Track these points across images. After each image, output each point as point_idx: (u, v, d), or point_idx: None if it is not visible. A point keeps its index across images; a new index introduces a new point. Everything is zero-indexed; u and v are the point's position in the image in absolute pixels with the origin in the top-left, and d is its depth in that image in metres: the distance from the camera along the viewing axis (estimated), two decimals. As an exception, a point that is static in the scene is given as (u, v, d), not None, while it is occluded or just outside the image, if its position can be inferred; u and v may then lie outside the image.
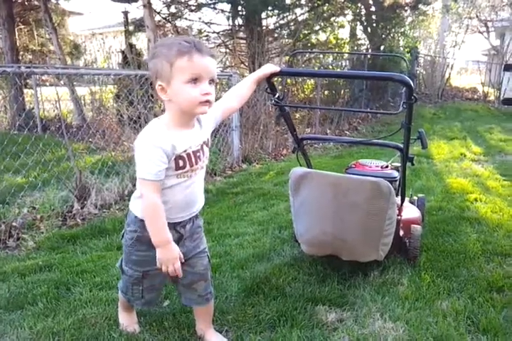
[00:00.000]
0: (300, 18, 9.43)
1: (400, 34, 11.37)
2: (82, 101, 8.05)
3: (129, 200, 3.83)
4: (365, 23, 10.60)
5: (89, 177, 3.81)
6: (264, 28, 8.97)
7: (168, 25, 9.66)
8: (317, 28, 9.88)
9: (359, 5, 10.17)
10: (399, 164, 2.75)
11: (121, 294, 1.84)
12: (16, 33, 9.39)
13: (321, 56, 9.44)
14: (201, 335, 1.85)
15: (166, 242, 1.51)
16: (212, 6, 8.75)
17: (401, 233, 2.54)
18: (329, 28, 10.23)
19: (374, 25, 10.45)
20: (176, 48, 1.43)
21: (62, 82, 8.09)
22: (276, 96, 2.02)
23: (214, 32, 9.21)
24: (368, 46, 10.47)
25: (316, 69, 8.65)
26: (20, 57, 9.63)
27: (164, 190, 1.53)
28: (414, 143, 2.28)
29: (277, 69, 1.86)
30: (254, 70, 6.84)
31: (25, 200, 3.55)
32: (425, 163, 5.39)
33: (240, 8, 8.39)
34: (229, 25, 9.02)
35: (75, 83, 8.25)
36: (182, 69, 1.42)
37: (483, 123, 9.15)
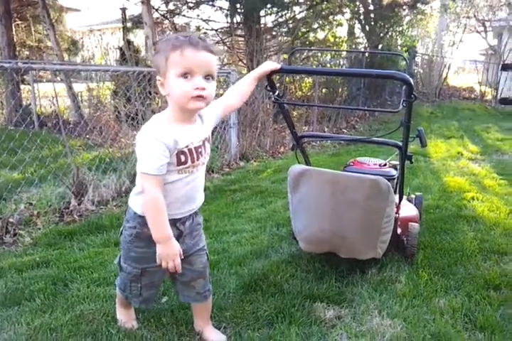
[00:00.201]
0: (298, 16, 9.41)
1: (398, 33, 11.37)
2: (80, 98, 8.02)
3: (126, 197, 3.87)
4: (363, 22, 10.60)
5: (86, 173, 3.79)
6: (262, 25, 8.95)
7: (167, 22, 9.63)
8: (315, 26, 9.86)
9: (357, 3, 10.16)
10: (397, 162, 2.76)
11: (119, 291, 1.83)
12: (13, 29, 9.34)
13: (319, 54, 9.43)
14: (199, 332, 1.85)
15: (167, 238, 1.50)
16: (210, 3, 8.72)
17: (399, 231, 2.54)
18: (327, 27, 10.21)
19: (372, 23, 10.46)
20: (171, 43, 1.44)
21: (59, 78, 8.05)
22: (276, 93, 2.02)
23: (212, 29, 9.18)
24: (366, 45, 10.47)
25: (314, 67, 8.64)
26: (17, 53, 9.58)
27: (165, 186, 1.52)
28: (412, 142, 2.28)
29: (277, 66, 1.86)
30: (252, 68, 6.85)
31: (22, 196, 3.53)
32: (422, 161, 5.41)
33: (238, 5, 8.37)
34: (227, 22, 8.99)
35: (72, 79, 8.22)
36: (175, 63, 1.43)
37: (480, 122, 9.17)
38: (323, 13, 9.68)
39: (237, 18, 8.90)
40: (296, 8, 9.37)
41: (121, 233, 1.71)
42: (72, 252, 2.78)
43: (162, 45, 1.47)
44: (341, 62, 9.70)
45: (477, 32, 17.10)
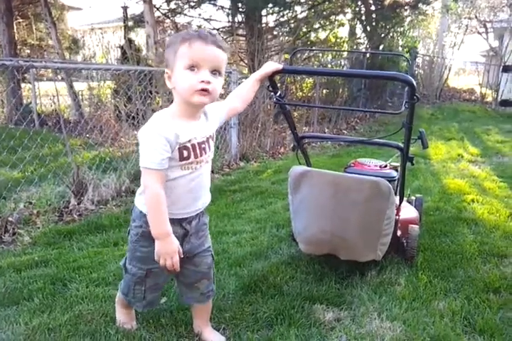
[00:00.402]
0: (300, 16, 9.41)
1: (399, 33, 11.35)
2: (80, 97, 8.01)
3: (126, 196, 3.87)
4: (364, 22, 10.58)
5: (86, 172, 3.79)
6: (264, 25, 8.95)
7: (168, 21, 9.63)
8: (317, 26, 9.86)
9: (359, 3, 10.15)
10: (397, 164, 2.76)
11: (121, 296, 1.81)
12: (15, 27, 9.34)
13: (320, 54, 9.42)
14: (198, 332, 1.84)
15: (166, 234, 1.48)
16: (212, 2, 8.71)
17: (399, 233, 2.54)
18: (329, 27, 10.20)
19: (373, 24, 10.44)
20: (181, 36, 1.46)
21: (59, 76, 8.04)
22: (278, 94, 2.01)
23: (214, 28, 9.17)
24: (367, 45, 10.46)
25: (316, 67, 8.63)
26: (18, 52, 9.57)
27: (169, 183, 1.51)
28: (414, 143, 2.28)
29: (279, 67, 1.85)
30: (253, 68, 6.83)
31: (21, 195, 3.52)
32: (422, 163, 5.41)
33: (240, 4, 8.37)
34: (229, 21, 8.99)
35: (72, 78, 8.22)
36: (182, 55, 1.44)
37: (481, 124, 9.17)
38: (325, 13, 9.68)
39: (239, 18, 8.91)
40: (298, 8, 9.39)
41: (129, 233, 1.69)
42: (72, 252, 2.77)
43: (172, 39, 1.50)
44: (342, 63, 9.69)
45: (478, 33, 17.07)
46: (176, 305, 2.05)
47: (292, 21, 9.36)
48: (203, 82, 1.44)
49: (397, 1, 10.31)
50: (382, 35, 10.62)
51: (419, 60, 13.70)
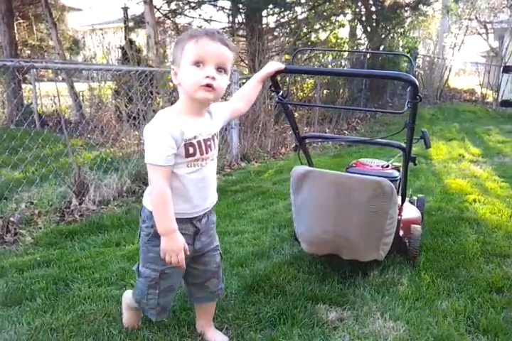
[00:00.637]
0: (300, 17, 9.42)
1: (399, 34, 11.35)
2: (81, 97, 8.02)
3: (127, 197, 3.87)
4: (365, 23, 10.59)
5: (87, 173, 3.78)
6: (264, 26, 8.95)
7: (168, 21, 9.63)
8: (317, 26, 9.87)
9: (359, 4, 10.16)
10: (399, 164, 2.75)
11: (135, 304, 1.77)
12: (15, 28, 9.34)
13: (321, 55, 9.43)
14: (201, 332, 1.84)
15: (171, 231, 1.48)
16: (212, 3, 8.73)
17: (401, 233, 2.54)
18: (329, 27, 10.21)
19: (374, 24, 10.44)
20: (189, 34, 1.49)
21: (60, 77, 8.04)
22: (280, 93, 2.01)
23: (214, 29, 9.17)
24: (368, 46, 10.46)
25: (318, 67, 8.63)
26: (18, 52, 9.57)
27: (178, 182, 1.52)
28: (416, 143, 2.27)
29: (282, 66, 1.86)
30: (254, 68, 6.82)
31: (23, 195, 3.53)
32: (424, 163, 5.41)
33: (240, 5, 8.37)
34: (229, 22, 9.00)
35: (73, 79, 8.22)
36: (189, 51, 1.45)
37: (482, 124, 9.16)
38: (325, 13, 9.69)
39: (239, 18, 8.92)
40: (298, 9, 9.40)
41: (139, 236, 1.68)
42: (73, 252, 2.77)
43: (181, 37, 1.52)
44: (343, 63, 9.69)
45: (478, 34, 17.11)
46: (178, 305, 2.05)
47: (293, 22, 9.37)
48: (207, 77, 1.45)
49: (398, 2, 10.32)
50: (383, 35, 10.63)
51: (419, 61, 13.70)
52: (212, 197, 1.68)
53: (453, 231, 3.07)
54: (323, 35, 10.41)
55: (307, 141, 2.68)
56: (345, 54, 9.83)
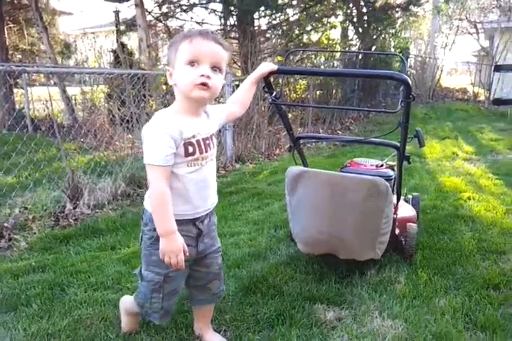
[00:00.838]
0: (292, 19, 9.43)
1: (391, 35, 11.41)
2: (74, 101, 7.98)
3: (122, 200, 3.84)
4: (356, 24, 10.63)
5: (81, 177, 3.76)
6: (256, 28, 8.96)
7: (160, 24, 9.62)
8: (309, 28, 9.89)
9: (350, 6, 10.20)
10: (393, 163, 2.76)
11: (138, 309, 1.74)
12: (6, 32, 9.29)
13: (313, 56, 9.45)
14: (199, 335, 1.83)
15: (171, 232, 1.47)
16: (204, 5, 8.73)
17: (397, 231, 2.54)
18: (321, 29, 10.23)
19: (365, 25, 10.49)
20: (182, 34, 1.50)
21: (52, 81, 8.00)
22: (273, 94, 2.01)
23: (206, 32, 9.15)
24: (360, 47, 10.50)
25: (310, 68, 8.64)
26: (9, 57, 9.52)
27: (178, 182, 1.51)
28: (410, 142, 2.28)
29: (274, 67, 1.85)
30: (246, 70, 6.81)
31: (16, 200, 3.49)
32: (418, 162, 5.43)
33: (232, 8, 8.37)
34: (221, 25, 8.99)
35: (65, 83, 8.18)
36: (183, 51, 1.46)
37: (474, 123, 9.22)
38: (317, 15, 9.72)
39: (231, 21, 8.92)
40: (290, 11, 9.41)
41: (141, 239, 1.66)
42: (69, 256, 2.75)
43: (174, 38, 1.53)
44: (335, 64, 9.72)
45: (469, 33, 17.18)
46: (176, 307, 2.03)
47: (284, 24, 9.39)
48: (202, 76, 1.45)
49: (389, 3, 10.38)
50: (374, 36, 10.68)
51: (411, 61, 13.77)
52: (213, 197, 1.68)
53: (448, 228, 3.07)
54: (315, 37, 10.44)
55: (301, 141, 2.68)
56: (338, 55, 9.85)
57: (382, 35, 11.06)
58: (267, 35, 9.71)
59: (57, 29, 12.92)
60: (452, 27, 15.86)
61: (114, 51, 7.95)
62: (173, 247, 1.47)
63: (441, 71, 14.65)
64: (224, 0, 8.10)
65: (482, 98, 13.19)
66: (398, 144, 2.33)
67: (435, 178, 4.62)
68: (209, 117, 1.63)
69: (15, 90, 8.39)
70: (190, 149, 1.50)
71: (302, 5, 9.32)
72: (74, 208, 3.50)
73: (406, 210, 2.79)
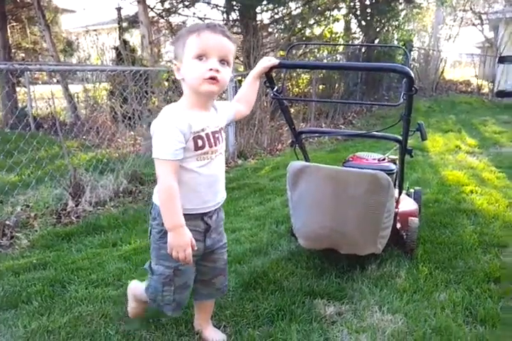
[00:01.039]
0: (295, 12, 9.37)
1: (394, 27, 11.32)
2: (76, 99, 7.99)
3: (123, 197, 3.85)
4: (359, 17, 10.55)
5: (83, 174, 3.77)
6: (258, 22, 8.92)
7: (162, 21, 9.60)
8: (312, 22, 9.83)
9: (353, -2, 10.13)
10: (395, 157, 2.74)
11: (150, 301, 1.73)
12: (8, 31, 9.30)
13: (316, 50, 9.40)
14: (199, 330, 1.84)
15: (179, 226, 1.46)
16: (206, 1, 8.68)
17: (398, 226, 2.53)
18: (324, 22, 10.17)
19: (368, 18, 10.41)
20: (189, 28, 1.48)
21: (55, 79, 8.02)
22: (275, 89, 2.00)
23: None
24: (363, 40, 10.43)
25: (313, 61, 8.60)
26: (12, 55, 9.53)
27: (188, 177, 1.51)
28: (412, 135, 2.25)
29: (276, 62, 1.84)
30: (249, 65, 6.79)
31: (18, 198, 3.50)
32: (420, 155, 5.40)
33: (234, 2, 8.33)
34: (223, 20, 8.95)
35: (67, 81, 8.19)
36: (191, 44, 1.45)
37: (478, 115, 9.15)
38: (320, 8, 9.64)
39: (233, 16, 8.88)
40: (292, 4, 9.35)
41: (150, 233, 1.66)
42: (70, 254, 2.76)
43: (181, 32, 1.52)
44: (338, 58, 9.66)
45: (473, 25, 17.02)
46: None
47: (287, 18, 9.33)
48: (211, 70, 1.44)
49: (392, -5, 10.28)
50: (378, 29, 10.59)
51: (414, 54, 13.67)
52: (222, 192, 1.68)
53: (450, 222, 3.06)
54: (317, 30, 10.38)
55: (303, 136, 2.66)
56: (340, 48, 9.80)
57: (386, 28, 10.97)
58: (270, 30, 9.67)
59: (60, 27, 12.91)
60: (456, 18, 15.75)
61: (116, 48, 7.95)
62: (181, 241, 1.46)
63: (445, 63, 14.54)
64: (226, -6, 8.07)
65: (486, 90, 13.08)
66: (400, 138, 2.32)
67: (437, 172, 4.59)
68: (217, 111, 1.63)
69: (17, 88, 8.40)
70: (200, 143, 1.50)
71: (305, -2, 9.26)
72: (76, 205, 3.51)
73: (408, 204, 2.78)
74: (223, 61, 1.48)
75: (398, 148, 2.45)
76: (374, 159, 2.71)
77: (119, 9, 8.99)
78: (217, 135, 1.57)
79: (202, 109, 1.55)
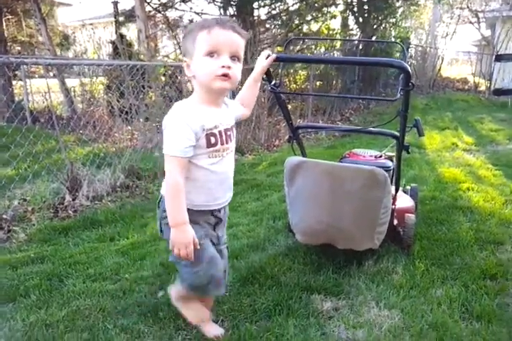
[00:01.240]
0: (292, 8, 9.36)
1: (391, 24, 11.32)
2: (73, 93, 7.95)
3: (121, 192, 3.84)
4: (356, 14, 10.55)
5: (80, 168, 3.76)
6: (256, 18, 8.89)
7: (159, 15, 9.56)
8: (309, 18, 9.81)
9: (351, -5, 10.12)
10: (392, 154, 2.75)
11: (191, 292, 1.71)
12: (4, 24, 9.23)
13: (313, 46, 9.39)
14: (197, 325, 1.83)
15: (182, 223, 1.47)
16: (203, -5, 8.66)
17: (395, 222, 2.54)
18: (321, 18, 10.15)
19: (366, 15, 10.41)
20: (199, 24, 1.47)
21: (51, 73, 7.96)
22: (273, 83, 1.99)
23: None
24: (360, 36, 10.42)
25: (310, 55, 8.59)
26: (8, 49, 9.46)
27: (198, 174, 1.52)
28: (408, 132, 2.26)
29: (273, 56, 1.83)
30: (246, 60, 6.77)
31: (15, 192, 3.50)
32: (417, 152, 5.42)
33: (231, -2, 8.31)
34: (220, 15, 8.91)
35: (64, 74, 8.14)
36: (201, 41, 1.44)
37: (474, 113, 9.18)
38: (317, 4, 9.63)
39: (231, 11, 8.85)
40: (290, 0, 9.35)
41: (161, 230, 1.64)
42: (67, 248, 2.76)
43: (190, 27, 1.50)
44: (335, 54, 9.65)
45: (470, 23, 17.04)
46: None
47: (284, 14, 9.32)
48: (223, 67, 1.44)
49: (389, -8, 10.27)
50: (375, 26, 10.60)
51: (412, 51, 13.67)
52: (231, 189, 1.69)
53: (447, 219, 3.07)
54: (315, 27, 10.36)
55: (301, 131, 2.66)
56: (338, 45, 9.78)
57: (383, 25, 10.98)
58: (267, 26, 9.64)
59: (56, 20, 12.83)
60: (453, 16, 15.75)
61: (113, 42, 7.91)
62: (183, 239, 1.47)
63: (442, 61, 14.56)
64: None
65: (483, 88, 13.12)
66: (397, 134, 2.32)
67: (434, 169, 4.61)
68: (229, 108, 1.64)
69: (14, 82, 8.34)
70: (213, 140, 1.50)
71: (302, -6, 9.24)
72: (73, 200, 3.50)
73: (404, 201, 2.79)
74: (234, 57, 1.48)
75: (395, 144, 2.45)
76: (371, 156, 2.71)
77: (115, 3, 8.96)
78: (229, 132, 1.58)
79: (214, 106, 1.55)
